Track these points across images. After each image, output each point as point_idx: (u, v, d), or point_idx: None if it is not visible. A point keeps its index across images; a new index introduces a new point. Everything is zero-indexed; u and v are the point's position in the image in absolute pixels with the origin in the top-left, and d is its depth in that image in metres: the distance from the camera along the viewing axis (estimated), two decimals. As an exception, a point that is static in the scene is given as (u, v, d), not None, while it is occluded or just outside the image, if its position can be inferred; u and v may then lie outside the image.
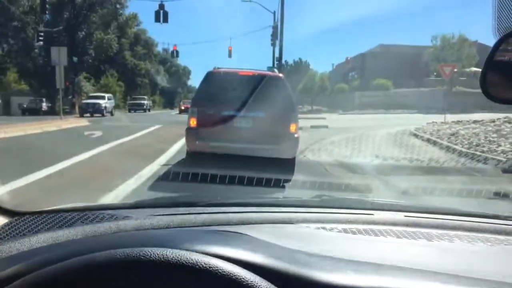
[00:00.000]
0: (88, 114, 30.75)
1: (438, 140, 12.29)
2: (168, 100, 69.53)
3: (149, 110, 46.90)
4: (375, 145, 11.42)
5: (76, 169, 7.54)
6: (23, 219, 1.52)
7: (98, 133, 14.94)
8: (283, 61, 32.84)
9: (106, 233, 1.34)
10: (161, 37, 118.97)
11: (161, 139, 13.30)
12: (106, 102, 33.37)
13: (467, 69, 47.30)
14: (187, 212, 1.60)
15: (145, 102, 46.79)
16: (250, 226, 1.45)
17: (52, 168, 7.35)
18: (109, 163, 8.35)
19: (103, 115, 31.16)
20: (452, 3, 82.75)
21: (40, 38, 33.87)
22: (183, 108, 42.46)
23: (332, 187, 5.83)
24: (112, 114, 33.68)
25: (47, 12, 31.67)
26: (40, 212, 1.60)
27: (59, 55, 24.04)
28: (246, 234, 1.27)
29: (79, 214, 1.57)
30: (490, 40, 1.32)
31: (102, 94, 35.39)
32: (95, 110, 31.48)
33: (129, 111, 44.01)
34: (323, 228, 1.47)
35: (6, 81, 44.51)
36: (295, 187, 5.97)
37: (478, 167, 8.52)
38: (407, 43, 56.18)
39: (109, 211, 1.60)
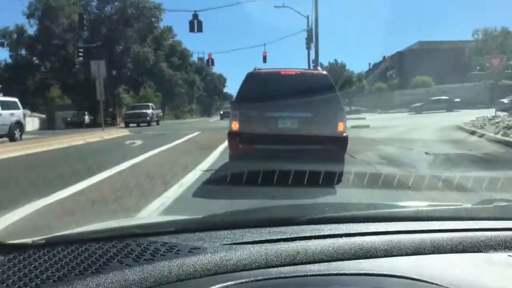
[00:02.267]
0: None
1: (492, 134, 11.55)
2: (205, 108, 70.47)
3: (157, 122, 34.53)
4: (423, 141, 10.81)
5: (116, 178, 7.45)
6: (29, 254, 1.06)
7: (138, 142, 15.07)
8: (318, 63, 32.34)
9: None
10: (196, 46, 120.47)
11: (200, 145, 13.19)
12: None
13: (512, 62, 45.14)
14: (282, 236, 1.07)
15: (149, 111, 33.50)
16: (421, 257, 1.00)
17: (96, 177, 7.31)
18: (149, 171, 8.22)
19: None
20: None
21: (80, 54, 35.04)
22: (222, 112, 42.10)
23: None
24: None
25: (85, 28, 32.61)
26: (61, 243, 1.12)
27: (99, 69, 24.71)
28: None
29: (116, 243, 1.07)
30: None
31: None
32: None
33: (127, 125, 32.44)
34: None
35: (50, 97, 46.38)
36: (350, 185, 5.77)
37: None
38: (446, 39, 54.42)
39: (164, 238, 1.10)
